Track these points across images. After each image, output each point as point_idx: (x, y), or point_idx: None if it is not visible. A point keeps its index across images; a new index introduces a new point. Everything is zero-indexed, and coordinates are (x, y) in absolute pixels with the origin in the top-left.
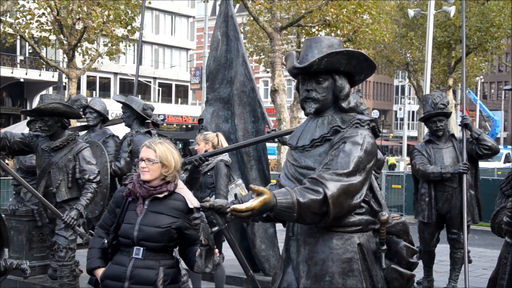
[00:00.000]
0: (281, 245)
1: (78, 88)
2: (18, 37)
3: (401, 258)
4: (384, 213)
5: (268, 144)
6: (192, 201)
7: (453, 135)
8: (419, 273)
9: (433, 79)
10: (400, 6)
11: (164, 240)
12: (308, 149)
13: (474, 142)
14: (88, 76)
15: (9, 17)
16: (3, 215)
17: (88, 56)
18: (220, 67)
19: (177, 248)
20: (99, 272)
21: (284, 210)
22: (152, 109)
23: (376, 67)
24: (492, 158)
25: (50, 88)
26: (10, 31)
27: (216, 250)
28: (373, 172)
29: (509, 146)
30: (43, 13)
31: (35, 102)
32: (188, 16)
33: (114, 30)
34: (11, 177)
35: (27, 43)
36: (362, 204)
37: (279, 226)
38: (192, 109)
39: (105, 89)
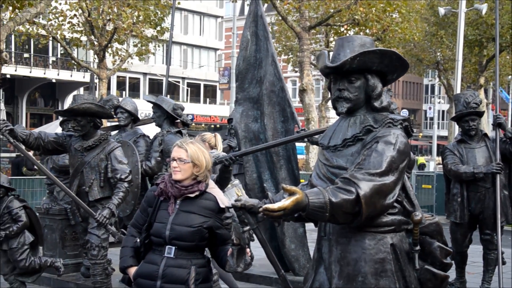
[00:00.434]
0: (310, 245)
1: (108, 88)
2: (51, 38)
3: (435, 258)
4: (418, 213)
5: (296, 144)
6: (223, 201)
7: (486, 134)
8: (451, 274)
9: (464, 78)
10: (430, 4)
11: (195, 240)
12: (340, 148)
13: (508, 142)
14: (118, 77)
15: (42, 19)
16: (37, 214)
17: (118, 56)
18: (250, 66)
19: (209, 247)
20: (132, 270)
21: (316, 210)
22: (182, 109)
23: (409, 66)
24: None
25: (81, 89)
26: (43, 32)
27: (248, 250)
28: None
29: None
30: (75, 15)
31: (67, 102)
32: (216, 16)
33: (143, 31)
34: (45, 176)
35: (59, 44)
36: (395, 204)
37: (308, 225)
38: (221, 109)
39: (134, 89)
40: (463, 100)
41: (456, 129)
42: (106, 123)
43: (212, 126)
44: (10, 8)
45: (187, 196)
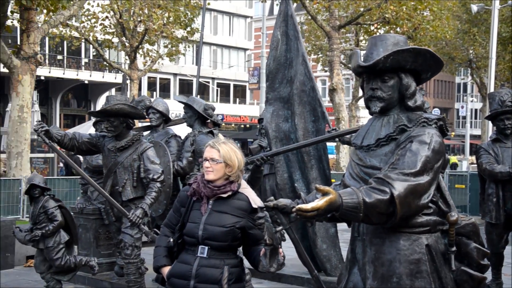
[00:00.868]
0: (342, 245)
1: (139, 89)
2: (83, 40)
3: (471, 260)
4: (453, 214)
5: (327, 144)
6: (256, 201)
7: None
8: (487, 276)
9: (498, 76)
10: (462, 2)
11: (228, 240)
12: (374, 148)
13: None
14: (148, 77)
15: (75, 21)
16: (72, 213)
17: (149, 57)
18: (280, 66)
19: (241, 247)
20: (165, 270)
21: (350, 210)
22: (213, 109)
23: (443, 64)
24: None
25: (113, 90)
26: (76, 34)
27: (281, 250)
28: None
29: None
30: (107, 16)
31: (98, 103)
32: (246, 17)
33: (174, 32)
34: (79, 176)
35: (91, 46)
36: (430, 204)
37: (340, 225)
38: (250, 109)
39: (165, 89)
40: (498, 98)
41: (490, 128)
42: (137, 123)
43: (242, 126)
44: (45, 11)
45: (220, 196)
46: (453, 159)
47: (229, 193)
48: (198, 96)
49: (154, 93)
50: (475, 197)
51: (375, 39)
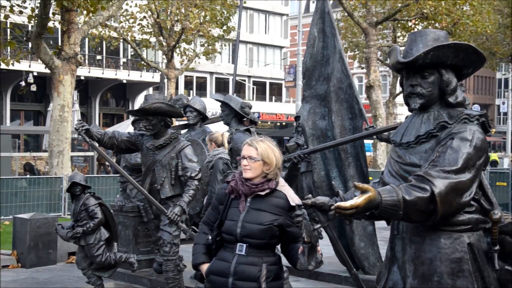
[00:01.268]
0: (380, 243)
1: (176, 88)
2: (121, 40)
3: None
4: (497, 212)
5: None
6: (294, 199)
7: None
8: None
9: None
10: None
11: (266, 237)
12: (413, 145)
13: None
14: (185, 76)
15: (114, 22)
16: (111, 211)
17: (186, 56)
18: (317, 64)
19: (280, 245)
20: (204, 267)
21: (389, 208)
22: (250, 107)
23: (485, 59)
24: None
25: (150, 89)
26: (115, 34)
27: (319, 248)
28: None
29: None
30: (144, 16)
31: (137, 102)
32: (281, 14)
33: (210, 30)
34: (119, 174)
35: (129, 46)
36: (472, 202)
37: (378, 223)
38: (286, 107)
39: (201, 88)
40: None
41: None
42: (175, 122)
43: (278, 124)
44: (85, 12)
45: (258, 194)
46: (494, 156)
47: (267, 191)
48: (234, 94)
49: (191, 91)
50: None
51: (414, 34)
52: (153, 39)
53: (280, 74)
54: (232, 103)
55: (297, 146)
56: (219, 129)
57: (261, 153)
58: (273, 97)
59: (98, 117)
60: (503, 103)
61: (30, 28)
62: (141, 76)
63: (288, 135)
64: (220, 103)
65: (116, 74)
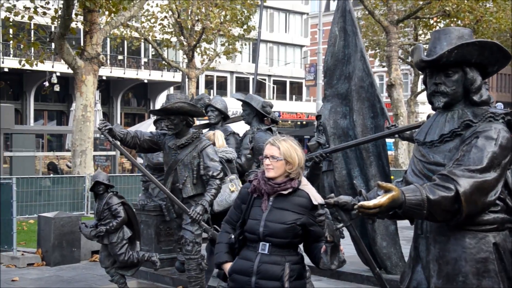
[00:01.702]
0: (402, 242)
1: (197, 87)
2: (143, 40)
3: None
4: None
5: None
6: (316, 198)
7: None
8: None
9: None
10: None
11: (289, 236)
12: (437, 144)
13: None
14: (206, 75)
15: (135, 22)
16: (134, 210)
17: (206, 56)
18: (338, 62)
19: (302, 244)
20: (227, 266)
21: (413, 208)
22: (271, 106)
23: (511, 57)
24: None
25: (171, 88)
26: (136, 35)
27: (341, 247)
28: None
29: None
30: (165, 16)
31: (158, 102)
32: (302, 13)
33: (230, 30)
34: (141, 174)
35: (150, 46)
36: (497, 202)
37: (400, 223)
38: (307, 106)
39: (222, 87)
40: None
41: None
42: (196, 121)
43: (298, 123)
44: (107, 12)
45: (280, 193)
46: None
47: (290, 190)
48: (255, 93)
49: (211, 91)
50: None
51: (438, 32)
52: (174, 39)
53: (300, 73)
54: (253, 102)
55: (318, 145)
56: (241, 129)
57: (283, 153)
58: (294, 96)
59: (120, 116)
60: None
61: (53, 29)
62: (162, 75)
63: (308, 134)
64: (241, 103)
65: (137, 74)
